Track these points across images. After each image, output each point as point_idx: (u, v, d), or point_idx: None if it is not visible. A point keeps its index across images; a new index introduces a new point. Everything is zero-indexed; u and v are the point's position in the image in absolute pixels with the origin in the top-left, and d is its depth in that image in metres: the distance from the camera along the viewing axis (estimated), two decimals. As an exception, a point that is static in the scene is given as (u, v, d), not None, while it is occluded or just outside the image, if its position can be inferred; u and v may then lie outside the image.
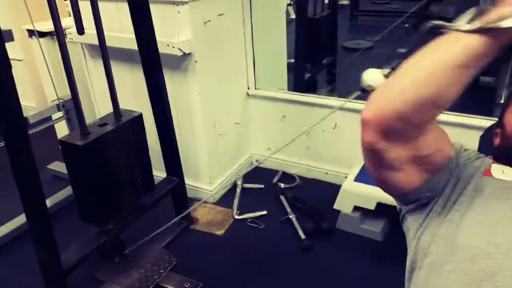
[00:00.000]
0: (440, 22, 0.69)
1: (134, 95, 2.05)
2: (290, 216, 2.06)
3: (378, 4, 5.86)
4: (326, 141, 2.29)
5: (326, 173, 2.33)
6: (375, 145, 0.72)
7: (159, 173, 2.01)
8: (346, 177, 2.01)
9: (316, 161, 2.37)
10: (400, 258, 0.89)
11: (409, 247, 0.84)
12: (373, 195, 1.84)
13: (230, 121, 2.30)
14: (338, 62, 3.40)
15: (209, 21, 1.98)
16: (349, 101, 2.02)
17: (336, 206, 1.97)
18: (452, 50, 0.66)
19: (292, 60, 2.97)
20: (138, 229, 1.76)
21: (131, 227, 1.72)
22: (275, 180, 2.38)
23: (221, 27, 2.07)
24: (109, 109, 1.65)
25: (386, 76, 0.70)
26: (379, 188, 0.86)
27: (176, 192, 1.98)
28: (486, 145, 1.11)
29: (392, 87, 0.70)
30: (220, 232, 2.03)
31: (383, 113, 0.68)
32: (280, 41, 2.68)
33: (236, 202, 2.20)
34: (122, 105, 1.67)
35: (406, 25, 5.12)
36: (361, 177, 1.95)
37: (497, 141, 0.95)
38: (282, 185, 2.33)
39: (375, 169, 0.80)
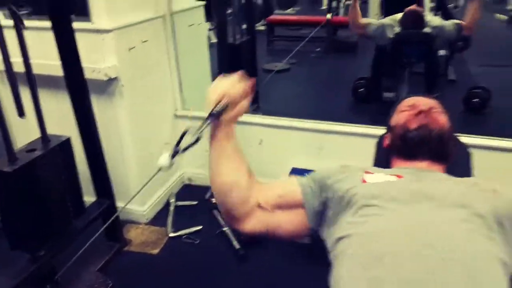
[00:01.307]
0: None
1: (60, 120, 2.03)
2: (224, 229, 2.14)
3: (291, 30, 6.28)
4: (253, 155, 2.41)
5: (256, 185, 2.45)
6: (253, 231, 1.02)
7: (91, 197, 2.00)
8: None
9: (245, 175, 2.49)
10: (327, 258, 0.99)
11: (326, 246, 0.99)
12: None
13: (160, 141, 2.36)
14: (260, 83, 3.60)
15: (134, 47, 2.06)
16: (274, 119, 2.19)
17: (266, 215, 2.09)
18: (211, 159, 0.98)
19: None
20: (70, 254, 1.73)
21: (63, 253, 1.69)
22: (207, 196, 2.45)
23: (146, 52, 2.15)
24: (30, 136, 1.64)
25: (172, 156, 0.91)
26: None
27: (107, 215, 1.98)
28: (380, 148, 1.34)
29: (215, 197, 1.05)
30: (155, 251, 2.05)
31: (228, 218, 1.04)
32: (204, 64, 2.82)
33: (169, 220, 2.24)
34: (49, 131, 1.67)
35: (318, 49, 5.57)
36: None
37: (386, 142, 1.17)
38: (215, 200, 2.41)
39: (275, 235, 1.04)
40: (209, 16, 3.20)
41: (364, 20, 3.20)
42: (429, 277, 0.76)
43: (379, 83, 3.56)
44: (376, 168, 1.08)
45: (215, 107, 0.90)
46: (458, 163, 1.19)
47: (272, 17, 6.48)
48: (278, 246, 2.06)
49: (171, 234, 2.15)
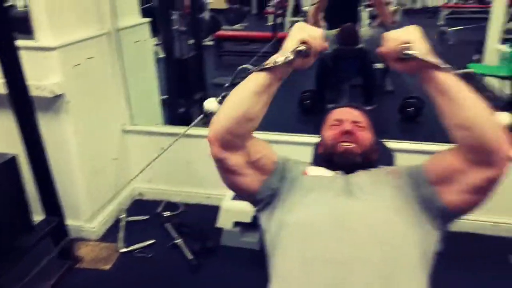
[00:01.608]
0: (249, 66, 1.00)
1: (6, 138, 2.00)
2: (177, 241, 2.17)
3: (239, 45, 6.43)
4: (205, 167, 2.48)
5: (208, 196, 2.52)
6: (219, 156, 1.01)
7: (40, 216, 1.97)
8: (224, 197, 2.22)
9: (197, 187, 2.54)
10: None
11: (265, 239, 1.09)
12: (248, 209, 2.07)
13: (108, 157, 2.36)
14: (210, 96, 3.68)
15: (79, 64, 2.07)
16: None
17: (218, 224, 2.15)
18: (250, 83, 0.98)
19: (167, 96, 3.15)
20: (19, 273, 1.70)
21: (11, 272, 1.66)
22: (159, 209, 2.47)
23: (92, 69, 2.17)
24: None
25: (219, 102, 0.97)
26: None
27: (56, 232, 1.95)
28: (316, 154, 1.49)
29: (220, 111, 1.00)
30: (107, 266, 2.04)
31: (217, 130, 0.99)
32: (152, 79, 2.85)
33: (120, 235, 2.24)
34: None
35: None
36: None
37: (320, 150, 1.30)
38: (167, 213, 2.43)
39: (225, 176, 1.08)
40: (155, 32, 3.25)
41: None
42: (351, 258, 0.88)
43: (323, 95, 3.75)
44: (317, 168, 1.21)
45: (300, 47, 0.97)
46: (383, 163, 1.34)
47: (220, 32, 6.60)
48: (229, 253, 2.12)
49: (123, 250, 2.14)
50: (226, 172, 1.07)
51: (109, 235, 2.29)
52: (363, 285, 0.85)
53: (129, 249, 2.15)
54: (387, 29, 3.45)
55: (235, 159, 1.03)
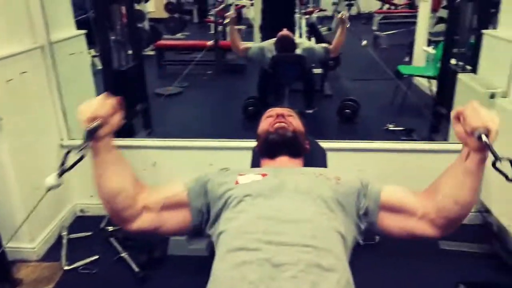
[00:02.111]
0: None
1: None
2: (122, 254, 2.15)
3: (181, 54, 6.42)
4: (148, 178, 2.46)
5: (152, 208, 2.49)
6: (134, 229, 1.15)
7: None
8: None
9: (140, 199, 2.51)
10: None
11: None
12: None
13: (46, 173, 2.27)
14: (153, 107, 3.64)
15: (11, 79, 2.00)
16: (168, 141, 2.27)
17: (164, 234, 2.15)
18: (93, 169, 1.12)
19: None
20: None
21: None
22: (102, 225, 2.42)
23: (26, 83, 2.10)
24: None
25: (59, 176, 0.98)
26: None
27: (-7, 256, 1.87)
28: (254, 155, 1.60)
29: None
30: (50, 286, 1.98)
31: (110, 216, 1.18)
32: (89, 92, 2.79)
33: (63, 253, 2.17)
34: None
35: (209, 72, 5.78)
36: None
37: (257, 146, 1.41)
38: (111, 228, 2.38)
39: (161, 233, 1.20)
40: (92, 43, 3.19)
41: (244, 45, 3.46)
42: (279, 255, 0.94)
43: (265, 101, 3.85)
44: (248, 169, 1.30)
45: (89, 126, 1.00)
46: (317, 161, 1.49)
47: (161, 41, 6.56)
48: (177, 262, 2.13)
49: (66, 267, 2.09)
50: (156, 231, 1.17)
51: (51, 254, 2.22)
52: (290, 280, 0.90)
53: (72, 266, 2.09)
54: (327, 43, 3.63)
55: (147, 221, 1.14)
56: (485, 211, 2.32)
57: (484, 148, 0.98)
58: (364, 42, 3.25)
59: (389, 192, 1.16)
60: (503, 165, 0.93)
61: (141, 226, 1.15)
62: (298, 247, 0.96)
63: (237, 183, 1.16)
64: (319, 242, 0.98)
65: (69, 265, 2.10)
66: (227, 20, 3.39)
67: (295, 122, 1.37)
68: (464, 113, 1.01)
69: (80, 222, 2.50)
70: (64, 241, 2.26)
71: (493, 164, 0.94)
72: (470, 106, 1.00)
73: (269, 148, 1.33)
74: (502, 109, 2.03)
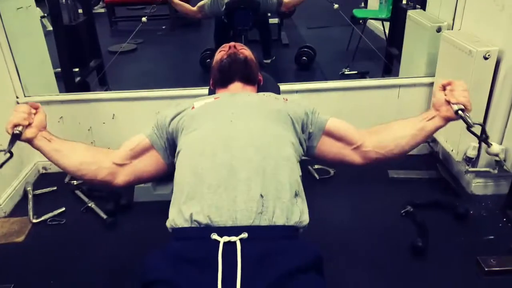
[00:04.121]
0: None
1: None
2: (89, 204, 2.20)
3: (133, 10, 6.20)
4: (109, 130, 2.50)
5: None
6: (120, 184, 1.27)
7: None
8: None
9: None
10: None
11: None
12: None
13: (3, 132, 2.26)
14: (107, 65, 3.58)
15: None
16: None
17: (129, 182, 2.21)
18: None
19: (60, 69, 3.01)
20: None
21: None
22: (67, 179, 2.45)
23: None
24: None
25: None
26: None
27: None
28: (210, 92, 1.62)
29: None
30: (20, 238, 2.02)
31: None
32: (42, 52, 2.72)
33: (30, 207, 2.20)
34: None
35: (164, 27, 5.64)
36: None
37: (211, 81, 1.49)
38: (75, 182, 2.41)
39: (146, 180, 1.34)
40: (40, 1, 3.06)
41: (197, 6, 3.41)
42: (235, 160, 1.05)
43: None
44: (204, 97, 1.36)
45: (14, 131, 1.16)
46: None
47: (111, -2, 6.28)
48: (144, 207, 2.21)
49: (34, 220, 2.13)
50: (141, 180, 1.31)
51: (18, 210, 2.24)
52: (245, 181, 1.02)
53: (41, 219, 2.14)
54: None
55: (125, 174, 1.25)
56: (432, 141, 2.50)
57: (449, 119, 1.19)
58: (336, 6, 3.27)
59: (335, 122, 1.31)
60: (475, 129, 1.17)
61: (124, 180, 1.25)
62: (251, 149, 1.07)
63: (193, 108, 1.26)
64: (271, 148, 1.10)
65: (37, 218, 2.14)
66: None
67: (247, 52, 1.44)
68: (453, 86, 1.18)
69: (44, 178, 2.52)
70: (30, 195, 2.28)
71: (467, 128, 1.16)
72: (461, 84, 1.17)
73: (222, 74, 1.39)
74: (447, 40, 2.15)
